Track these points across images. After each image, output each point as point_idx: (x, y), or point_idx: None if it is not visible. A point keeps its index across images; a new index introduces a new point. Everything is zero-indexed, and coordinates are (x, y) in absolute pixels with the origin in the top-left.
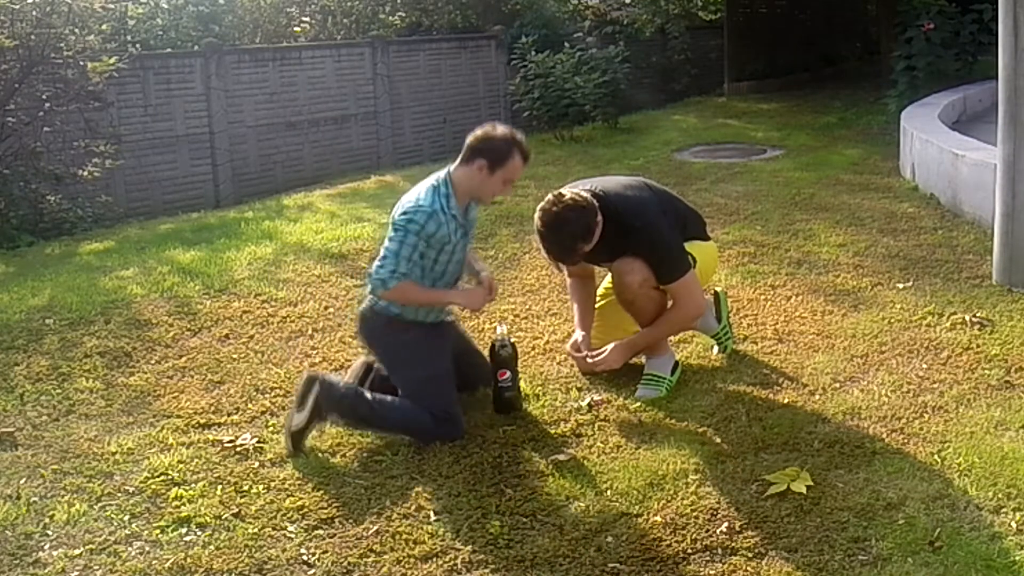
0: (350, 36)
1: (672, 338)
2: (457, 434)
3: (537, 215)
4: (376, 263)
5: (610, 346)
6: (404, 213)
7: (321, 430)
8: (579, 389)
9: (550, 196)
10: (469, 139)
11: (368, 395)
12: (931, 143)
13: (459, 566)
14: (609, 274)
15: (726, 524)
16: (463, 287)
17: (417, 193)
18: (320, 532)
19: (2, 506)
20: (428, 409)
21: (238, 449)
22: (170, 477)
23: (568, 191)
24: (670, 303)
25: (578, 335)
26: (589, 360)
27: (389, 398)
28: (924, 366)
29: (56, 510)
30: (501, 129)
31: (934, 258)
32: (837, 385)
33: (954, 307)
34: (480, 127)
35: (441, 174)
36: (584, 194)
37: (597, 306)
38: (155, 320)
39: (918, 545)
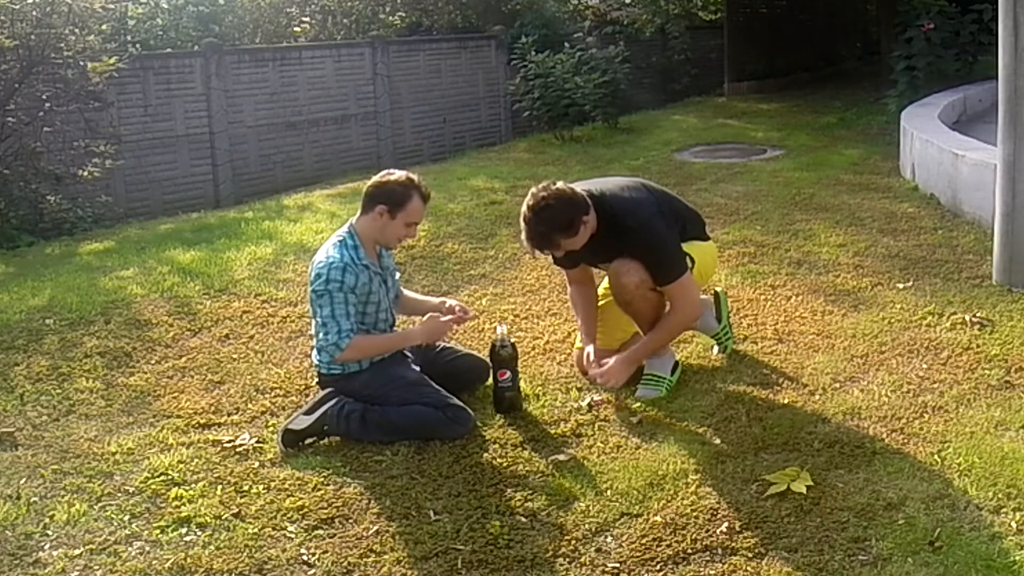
0: (350, 36)
1: None
2: (466, 417)
3: (527, 199)
4: (320, 334)
5: (611, 360)
6: (318, 276)
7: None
8: (579, 389)
9: (544, 183)
10: (367, 187)
11: (375, 407)
12: (931, 143)
13: (459, 566)
14: (607, 275)
15: (726, 524)
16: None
17: (325, 252)
18: (320, 532)
19: (2, 506)
20: (428, 405)
21: (238, 449)
22: (170, 477)
23: (565, 184)
24: (667, 304)
25: (587, 348)
26: (593, 372)
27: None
28: (924, 366)
29: (56, 510)
30: (397, 174)
31: (934, 258)
32: (837, 385)
33: (954, 307)
34: (377, 175)
35: (344, 228)
36: (579, 190)
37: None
38: (155, 320)
39: (918, 545)
